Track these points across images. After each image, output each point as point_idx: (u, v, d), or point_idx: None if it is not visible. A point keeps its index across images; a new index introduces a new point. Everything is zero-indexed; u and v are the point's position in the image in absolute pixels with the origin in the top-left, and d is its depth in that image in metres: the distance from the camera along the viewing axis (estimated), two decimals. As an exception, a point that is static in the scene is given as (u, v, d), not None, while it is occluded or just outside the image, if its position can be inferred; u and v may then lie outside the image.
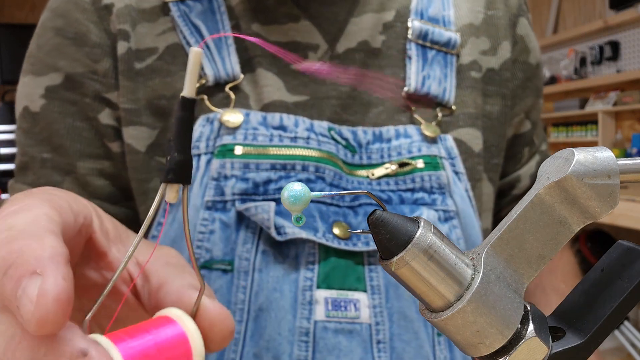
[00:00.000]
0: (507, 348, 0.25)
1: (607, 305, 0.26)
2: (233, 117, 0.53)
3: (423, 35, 0.59)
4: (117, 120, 0.55)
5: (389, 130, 0.56)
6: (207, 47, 0.54)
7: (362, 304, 0.49)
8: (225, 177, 0.51)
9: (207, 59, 0.54)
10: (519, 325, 0.25)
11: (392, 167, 0.54)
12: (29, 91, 0.56)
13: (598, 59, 3.88)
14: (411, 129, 0.57)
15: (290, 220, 0.50)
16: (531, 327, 0.26)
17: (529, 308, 0.27)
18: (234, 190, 0.51)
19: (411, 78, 0.58)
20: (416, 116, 0.57)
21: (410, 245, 0.25)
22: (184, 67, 0.54)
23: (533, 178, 0.66)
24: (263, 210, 0.49)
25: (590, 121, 3.93)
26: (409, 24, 0.59)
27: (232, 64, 0.54)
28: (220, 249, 0.50)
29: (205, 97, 0.54)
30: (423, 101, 0.58)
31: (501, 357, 0.25)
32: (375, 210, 0.25)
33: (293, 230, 0.49)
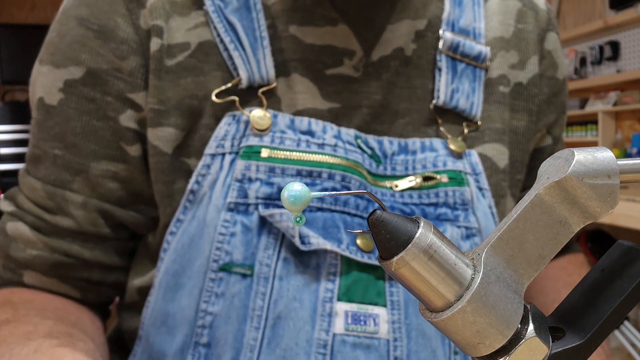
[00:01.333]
0: (507, 348, 0.25)
1: (607, 305, 0.26)
2: (262, 117, 0.51)
3: (454, 48, 0.58)
4: (140, 122, 0.53)
5: (414, 142, 0.56)
6: (242, 46, 0.53)
7: (382, 319, 0.49)
8: (250, 180, 0.50)
9: (242, 59, 0.52)
10: (519, 326, 0.25)
11: (416, 180, 0.54)
12: (47, 82, 0.54)
13: (598, 59, 3.88)
14: (437, 142, 0.56)
15: (315, 231, 0.49)
16: (531, 327, 0.26)
17: (529, 308, 0.27)
18: (258, 194, 0.50)
19: (440, 90, 0.57)
20: (442, 130, 0.57)
21: (410, 245, 0.25)
22: (217, 66, 0.53)
23: None
24: (288, 218, 0.48)
25: (590, 121, 3.93)
26: (441, 35, 0.58)
27: (267, 68, 0.53)
28: (241, 253, 0.49)
29: (236, 98, 0.52)
30: (450, 114, 0.58)
31: (501, 357, 0.25)
32: (375, 210, 0.25)
33: (317, 241, 0.48)
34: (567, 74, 0.68)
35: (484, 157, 0.58)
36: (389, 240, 0.25)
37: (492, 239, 0.26)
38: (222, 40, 0.53)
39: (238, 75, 0.52)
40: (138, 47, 0.52)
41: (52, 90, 0.54)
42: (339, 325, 0.48)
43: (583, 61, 4.03)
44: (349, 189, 0.51)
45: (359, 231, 0.28)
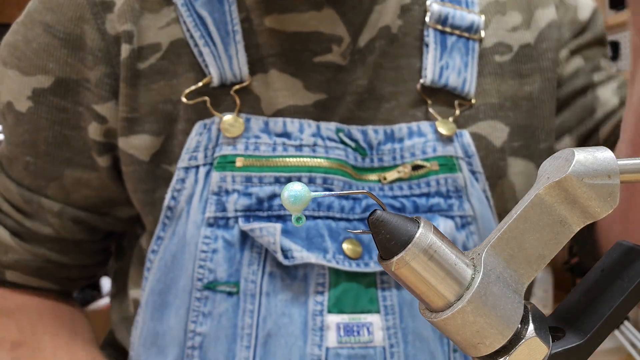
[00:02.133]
0: (507, 348, 0.25)
1: (607, 305, 0.26)
2: (233, 124, 0.49)
3: (442, 20, 0.54)
4: (106, 134, 0.52)
5: (401, 128, 0.52)
6: (213, 42, 0.50)
7: (376, 327, 0.47)
8: (227, 192, 0.48)
9: (212, 56, 0.50)
10: (519, 325, 0.25)
11: (405, 170, 0.51)
12: (14, 88, 0.52)
13: (598, 59, 3.88)
14: (425, 126, 0.52)
15: (298, 242, 0.48)
16: (531, 327, 0.26)
17: (529, 308, 0.27)
18: (237, 207, 0.48)
19: (427, 69, 0.53)
20: (432, 111, 0.53)
21: (410, 245, 0.25)
22: (190, 67, 0.51)
23: (622, 93, 0.58)
24: (269, 233, 0.46)
25: (590, 121, 3.93)
26: (428, 6, 0.54)
27: (240, 64, 0.50)
28: (225, 270, 0.47)
29: (207, 98, 0.50)
30: (440, 94, 0.54)
31: (501, 357, 0.25)
32: (375, 210, 0.25)
33: (301, 254, 0.46)
34: (592, 11, 0.60)
35: (478, 137, 0.54)
36: (389, 240, 0.25)
37: (492, 239, 0.26)
38: (192, 36, 0.50)
39: (209, 73, 0.50)
40: (104, 56, 0.50)
41: (21, 97, 0.52)
42: (331, 339, 0.46)
43: (583, 61, 4.03)
44: (332, 191, 0.49)
45: (359, 231, 0.28)
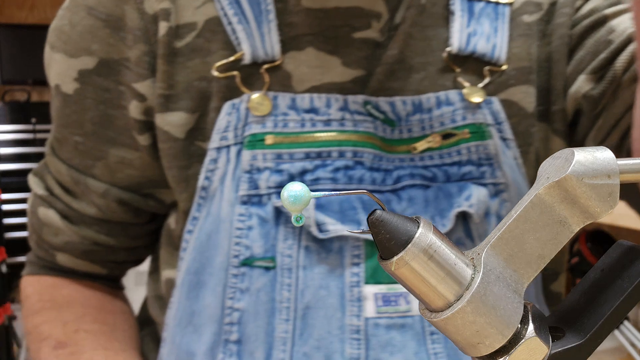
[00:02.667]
0: (507, 348, 0.25)
1: (607, 305, 0.26)
2: (261, 102, 0.49)
3: None
4: (146, 112, 0.53)
5: (429, 98, 0.52)
6: (246, 20, 0.50)
7: (413, 297, 0.47)
8: (258, 170, 0.49)
9: (245, 33, 0.50)
10: (519, 325, 0.25)
11: (435, 140, 0.51)
12: (61, 71, 0.55)
13: (598, 59, 3.87)
14: (453, 94, 0.52)
15: (332, 215, 0.48)
16: (531, 327, 0.26)
17: (529, 308, 0.27)
18: (269, 184, 0.49)
19: (453, 37, 0.52)
20: (460, 79, 0.52)
21: (410, 245, 0.25)
22: (224, 45, 0.51)
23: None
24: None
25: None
26: None
27: (273, 42, 0.50)
28: (261, 246, 0.48)
29: (236, 73, 0.50)
30: (470, 61, 0.53)
31: (501, 357, 0.25)
32: (375, 210, 0.25)
33: (335, 227, 0.47)
34: None
35: (509, 103, 0.53)
36: (389, 240, 0.25)
37: (492, 239, 0.26)
38: (226, 14, 0.51)
39: (242, 50, 0.50)
40: (143, 34, 0.51)
41: (67, 80, 0.54)
42: (369, 309, 0.47)
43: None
44: (362, 164, 0.49)
45: (358, 231, 0.28)
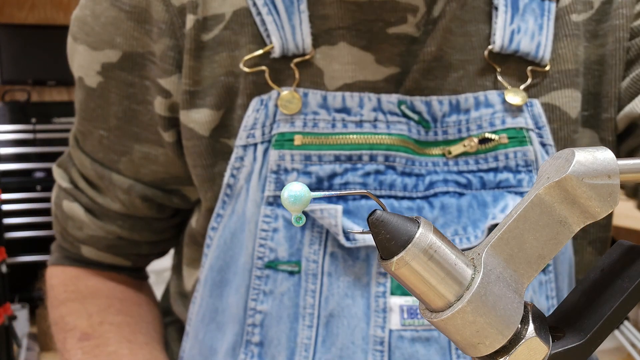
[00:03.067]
0: (507, 348, 0.25)
1: (607, 305, 0.26)
2: (290, 100, 0.48)
3: None
4: (171, 108, 0.52)
5: (467, 98, 0.49)
6: (277, 11, 0.48)
7: None
8: (286, 171, 0.47)
9: (275, 24, 0.48)
10: (519, 325, 0.25)
11: (471, 144, 0.48)
12: (84, 63, 0.53)
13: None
14: (493, 95, 0.49)
15: (360, 223, 0.47)
16: (531, 327, 0.26)
17: (529, 308, 0.27)
18: None
19: (496, 34, 0.49)
20: (500, 79, 0.50)
21: (410, 245, 0.25)
22: (252, 38, 0.49)
23: None
24: (330, 215, 0.45)
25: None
26: None
27: (304, 35, 0.48)
28: (286, 249, 0.47)
29: (265, 68, 0.48)
30: (512, 60, 0.50)
31: (501, 357, 0.25)
32: (375, 210, 0.25)
33: (363, 236, 0.45)
34: None
35: (551, 107, 0.50)
36: (389, 240, 0.25)
37: (492, 239, 0.26)
38: (255, 4, 0.49)
39: (271, 42, 0.48)
40: (168, 28, 0.50)
41: (90, 73, 0.53)
42: (394, 321, 0.46)
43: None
44: (394, 168, 0.48)
45: (358, 231, 0.28)
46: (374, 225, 0.25)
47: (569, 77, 0.51)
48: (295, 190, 0.26)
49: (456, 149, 0.49)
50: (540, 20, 0.50)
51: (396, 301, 0.46)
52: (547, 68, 0.50)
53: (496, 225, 0.46)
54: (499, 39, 0.49)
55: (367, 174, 0.47)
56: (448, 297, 0.25)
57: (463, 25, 0.50)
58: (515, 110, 0.49)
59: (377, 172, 0.47)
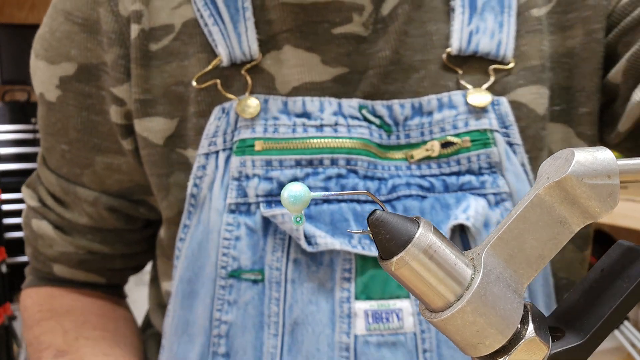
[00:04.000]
0: (507, 348, 0.25)
1: (607, 305, 0.26)
2: (249, 105, 0.48)
3: None
4: (126, 116, 0.52)
5: (430, 100, 0.48)
6: (222, 21, 0.49)
7: (405, 313, 0.45)
8: (247, 177, 0.47)
9: (221, 34, 0.48)
10: (519, 325, 0.25)
11: (433, 148, 0.48)
12: (44, 78, 0.54)
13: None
14: (457, 96, 0.48)
15: (322, 228, 0.46)
16: (531, 327, 0.26)
17: (529, 308, 0.27)
18: (258, 192, 0.47)
19: (453, 36, 0.49)
20: (463, 82, 0.49)
21: (410, 245, 0.25)
22: (201, 48, 0.49)
23: None
24: (291, 219, 0.45)
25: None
26: None
27: (250, 42, 0.48)
28: (249, 258, 0.47)
29: (218, 81, 0.49)
30: (473, 61, 0.50)
31: (501, 357, 0.25)
32: (375, 210, 0.25)
33: (325, 241, 0.45)
34: None
35: (517, 105, 0.50)
36: (389, 240, 0.25)
37: (492, 239, 0.26)
38: (202, 15, 0.49)
39: (219, 53, 0.48)
40: (117, 37, 0.50)
41: (50, 87, 0.54)
42: (359, 326, 0.45)
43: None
44: (355, 172, 0.47)
45: (358, 231, 0.28)
46: (374, 225, 0.25)
47: (534, 74, 0.50)
48: (295, 190, 0.26)
49: (419, 154, 0.48)
50: (500, 18, 0.49)
51: (361, 306, 0.45)
52: (511, 65, 0.49)
53: (458, 225, 0.46)
54: (456, 41, 0.49)
55: (329, 178, 0.47)
56: (448, 297, 0.25)
57: (422, 26, 0.50)
58: (480, 112, 0.48)
59: (339, 175, 0.47)
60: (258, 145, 0.47)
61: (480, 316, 0.24)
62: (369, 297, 0.46)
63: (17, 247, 2.67)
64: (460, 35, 0.49)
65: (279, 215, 0.46)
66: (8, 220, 2.84)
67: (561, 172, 0.25)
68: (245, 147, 0.47)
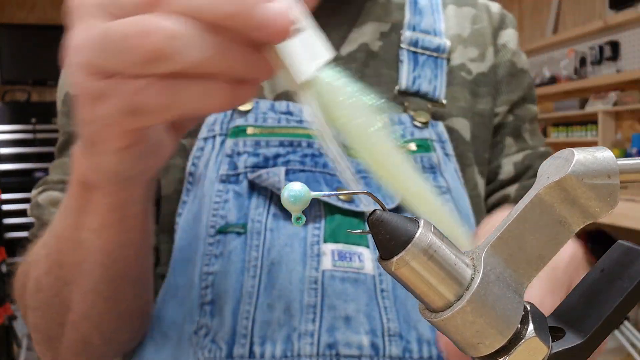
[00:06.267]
0: (507, 348, 0.25)
1: (607, 305, 0.26)
2: (244, 104, 0.56)
3: (414, 43, 0.64)
4: None
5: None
6: None
7: (366, 257, 0.53)
8: (238, 154, 0.56)
9: None
10: (519, 325, 0.25)
11: None
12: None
13: (598, 59, 3.88)
14: (404, 117, 0.61)
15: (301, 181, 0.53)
16: (531, 327, 0.26)
17: (528, 308, 0.27)
18: (246, 164, 0.55)
19: (402, 77, 0.62)
20: (409, 112, 0.62)
21: (410, 245, 0.25)
22: None
23: (517, 167, 0.68)
24: (274, 174, 0.53)
25: (590, 121, 3.93)
26: (402, 33, 0.64)
27: None
28: (234, 215, 0.53)
29: None
30: (415, 98, 0.63)
31: (501, 357, 0.25)
32: (375, 210, 0.25)
33: None
34: (526, 65, 0.72)
35: (450, 129, 0.63)
36: (389, 240, 0.25)
37: (492, 239, 0.26)
38: None
39: None
40: None
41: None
42: (326, 263, 0.52)
43: (583, 61, 4.03)
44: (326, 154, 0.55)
45: (358, 231, 0.28)
46: (374, 225, 0.25)
47: (462, 110, 0.64)
48: (296, 190, 0.26)
49: None
50: (435, 71, 0.64)
51: (328, 247, 0.53)
52: (444, 102, 0.63)
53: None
54: (404, 80, 0.62)
55: (305, 155, 0.57)
56: (448, 297, 0.25)
57: (376, 70, 0.63)
58: (422, 127, 0.61)
59: (313, 155, 0.57)
60: (249, 130, 0.57)
61: (481, 316, 0.24)
62: (335, 241, 0.53)
63: (17, 247, 2.67)
64: (407, 77, 0.63)
65: (263, 173, 0.54)
66: (8, 220, 2.84)
67: (561, 172, 0.25)
68: (239, 131, 0.57)
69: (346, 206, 0.54)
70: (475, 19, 0.70)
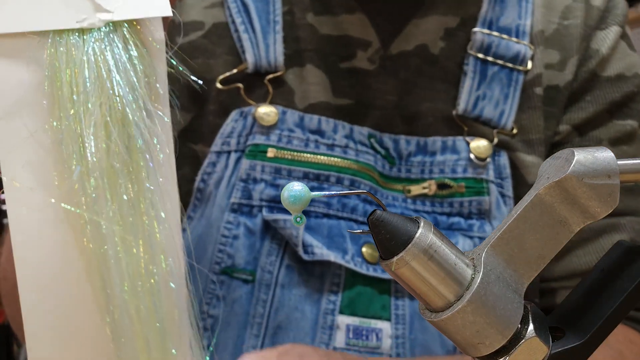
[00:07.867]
0: (507, 348, 0.25)
1: (607, 305, 0.26)
2: (268, 113, 0.49)
3: (485, 48, 0.52)
4: None
5: (435, 141, 0.52)
6: (253, 29, 0.51)
7: (385, 334, 0.47)
8: (255, 180, 0.49)
9: (250, 42, 0.51)
10: (519, 325, 0.25)
11: (430, 188, 0.50)
12: None
13: (598, 59, 3.87)
14: (460, 143, 0.51)
15: (319, 239, 0.48)
16: (531, 327, 0.26)
17: (529, 308, 0.27)
18: (262, 196, 0.49)
19: (461, 97, 0.52)
20: (468, 139, 0.52)
21: (410, 245, 0.25)
22: (229, 50, 0.52)
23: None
24: (292, 226, 0.47)
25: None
26: (472, 34, 0.52)
27: (277, 54, 0.51)
28: (243, 257, 0.48)
29: (241, 85, 0.50)
30: (477, 123, 0.53)
31: (501, 357, 0.25)
32: (375, 210, 0.25)
33: (321, 251, 0.47)
34: (627, 72, 0.55)
35: (513, 165, 0.53)
36: (389, 240, 0.25)
37: (492, 239, 0.26)
38: (233, 21, 0.52)
39: (245, 59, 0.51)
40: None
41: None
42: (339, 339, 0.47)
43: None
44: (357, 195, 0.50)
45: (358, 231, 0.28)
46: (374, 225, 0.25)
47: (531, 147, 0.53)
48: (295, 190, 0.26)
49: (415, 190, 0.51)
50: (506, 90, 0.52)
51: (344, 320, 0.47)
52: (514, 132, 0.52)
53: None
54: (463, 103, 0.52)
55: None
56: (448, 297, 0.25)
57: (432, 81, 0.53)
58: (479, 161, 0.51)
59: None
60: (270, 152, 0.49)
61: (481, 316, 0.24)
62: (352, 313, 0.48)
63: (17, 247, 2.67)
64: (467, 98, 0.52)
65: (280, 220, 0.47)
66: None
67: (561, 172, 0.25)
68: (258, 152, 0.49)
69: (371, 272, 0.48)
70: (568, 11, 0.54)
